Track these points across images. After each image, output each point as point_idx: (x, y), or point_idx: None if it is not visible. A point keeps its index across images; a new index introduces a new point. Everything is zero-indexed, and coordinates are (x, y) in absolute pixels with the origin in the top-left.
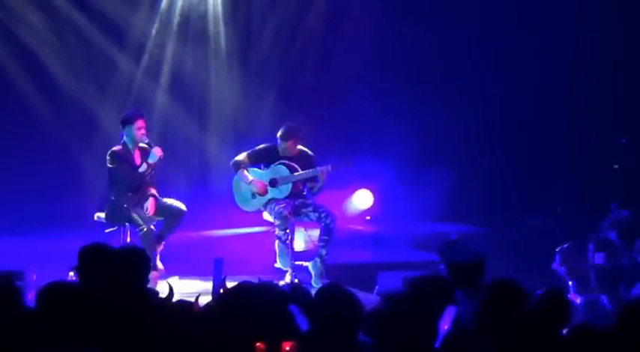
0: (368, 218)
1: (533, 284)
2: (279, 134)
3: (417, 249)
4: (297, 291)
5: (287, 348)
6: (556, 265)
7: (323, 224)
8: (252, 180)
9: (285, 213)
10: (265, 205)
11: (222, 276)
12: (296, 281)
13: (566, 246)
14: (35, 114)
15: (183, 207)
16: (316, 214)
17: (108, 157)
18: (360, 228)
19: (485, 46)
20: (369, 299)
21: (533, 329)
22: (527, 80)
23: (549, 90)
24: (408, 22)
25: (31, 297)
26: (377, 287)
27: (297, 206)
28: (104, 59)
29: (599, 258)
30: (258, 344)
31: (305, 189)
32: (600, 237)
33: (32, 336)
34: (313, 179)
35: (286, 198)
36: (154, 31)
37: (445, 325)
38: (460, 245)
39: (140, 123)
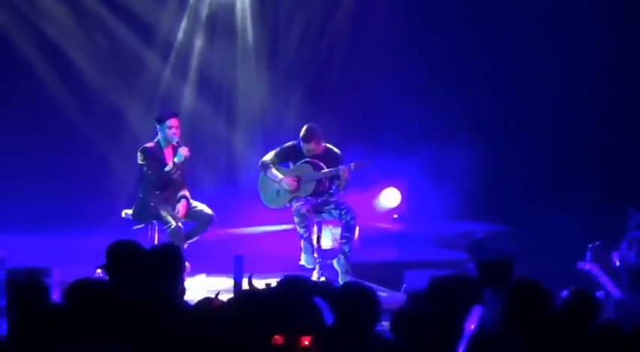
0: (395, 216)
1: (559, 284)
2: (300, 135)
3: (445, 247)
4: (325, 288)
5: (306, 342)
6: (586, 263)
7: (344, 221)
8: (281, 178)
9: (303, 210)
10: (290, 202)
11: (249, 274)
12: (322, 279)
13: (597, 243)
14: (62, 111)
15: (211, 213)
16: (337, 211)
17: (139, 154)
18: (387, 226)
19: (507, 43)
20: (397, 297)
21: (561, 328)
22: (549, 77)
23: (573, 87)
24: (435, 20)
25: (56, 295)
26: (404, 285)
27: (320, 204)
28: (132, 56)
29: (635, 257)
30: (276, 336)
31: (332, 187)
32: (637, 236)
33: (58, 333)
34: (338, 177)
35: (309, 195)
36: (181, 28)
37: (471, 325)
38: (489, 244)
39: (172, 122)
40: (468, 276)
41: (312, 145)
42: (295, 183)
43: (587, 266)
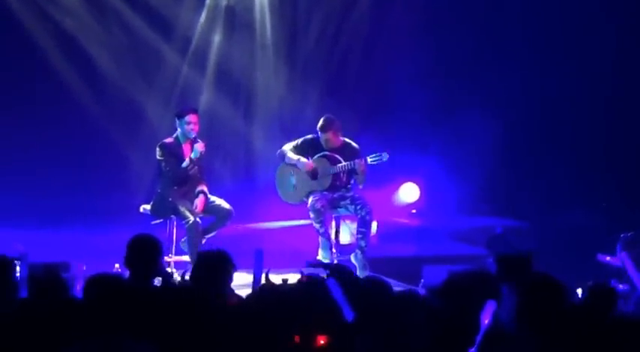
0: (413, 211)
1: (576, 279)
2: (318, 126)
3: (463, 242)
4: (340, 271)
5: (322, 342)
6: (617, 252)
7: (359, 216)
8: (299, 158)
9: (318, 206)
10: (307, 196)
11: (266, 269)
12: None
13: (629, 234)
14: (81, 107)
15: (230, 207)
16: (353, 206)
17: (157, 149)
18: (405, 221)
19: (529, 38)
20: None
21: (578, 322)
22: (571, 75)
23: (595, 85)
24: (452, 15)
25: (79, 288)
26: (422, 280)
27: (336, 199)
28: (150, 51)
29: None
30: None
31: (349, 182)
32: None
33: (78, 326)
34: (356, 171)
35: (325, 190)
36: (200, 24)
37: (485, 319)
38: (508, 239)
39: (191, 117)
40: (484, 272)
41: (329, 135)
42: (311, 165)
43: (607, 258)
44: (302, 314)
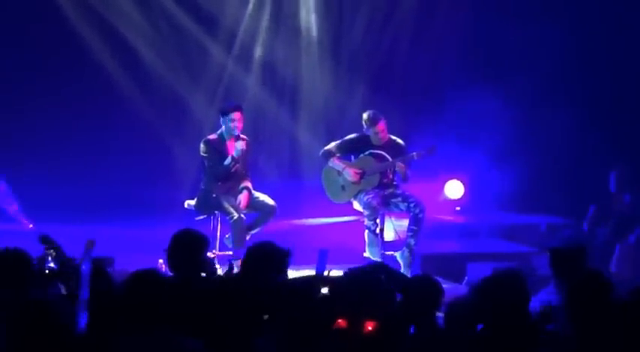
0: (458, 208)
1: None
2: (367, 120)
3: (507, 239)
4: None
5: (369, 328)
6: None
7: (412, 214)
8: (344, 168)
9: (374, 203)
10: (355, 196)
11: (329, 269)
12: None
13: None
14: (127, 102)
15: (274, 203)
16: (405, 204)
17: (201, 145)
18: (449, 218)
19: (578, 32)
20: (458, 289)
21: (623, 320)
22: (619, 72)
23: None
24: (501, 8)
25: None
26: (466, 277)
27: (387, 196)
28: (196, 47)
29: None
30: (340, 320)
31: (395, 178)
32: None
33: (120, 322)
34: (401, 167)
35: (375, 188)
36: (245, 19)
37: None
38: (562, 234)
39: (235, 115)
40: (528, 269)
41: (380, 127)
42: (358, 174)
43: None
44: (351, 301)
